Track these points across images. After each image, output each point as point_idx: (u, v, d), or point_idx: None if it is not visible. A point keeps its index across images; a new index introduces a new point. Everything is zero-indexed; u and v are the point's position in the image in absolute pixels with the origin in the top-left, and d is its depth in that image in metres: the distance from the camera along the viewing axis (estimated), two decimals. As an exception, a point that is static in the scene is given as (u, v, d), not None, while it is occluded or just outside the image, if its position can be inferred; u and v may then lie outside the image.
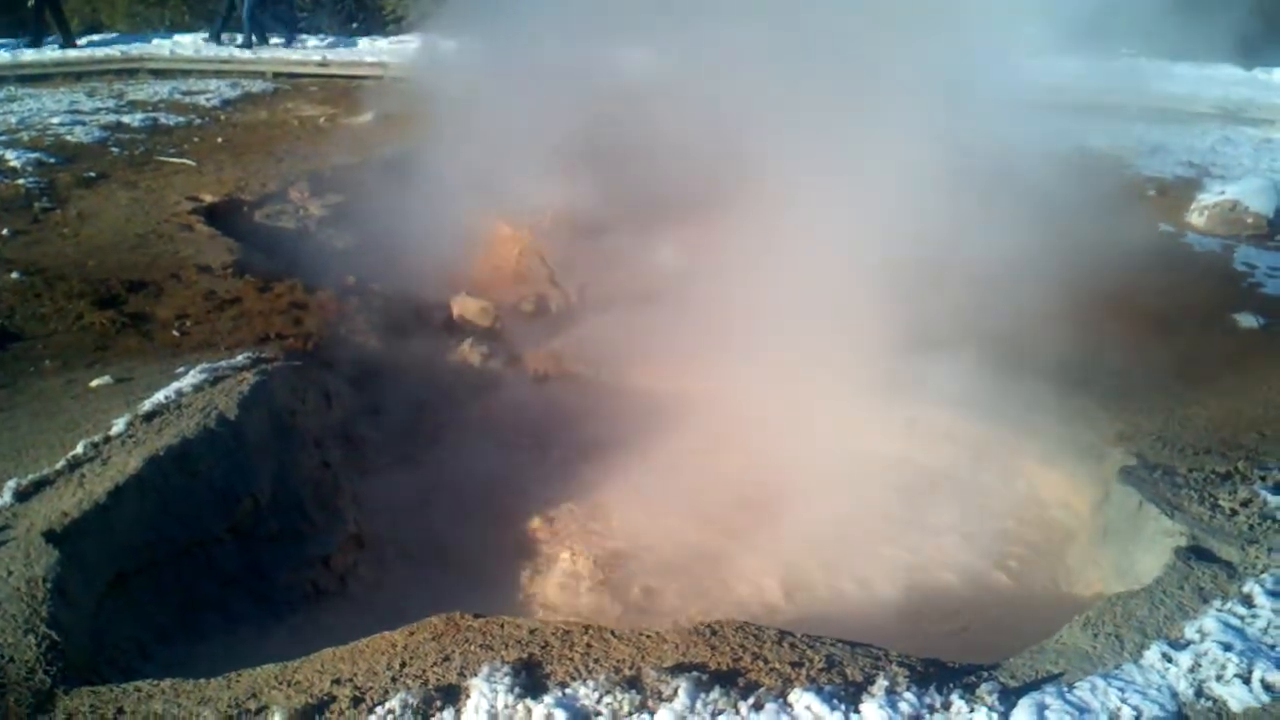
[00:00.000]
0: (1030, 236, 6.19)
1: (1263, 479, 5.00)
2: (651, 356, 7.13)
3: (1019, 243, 6.15)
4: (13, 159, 10.76)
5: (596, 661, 3.44)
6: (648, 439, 6.51)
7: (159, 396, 5.33)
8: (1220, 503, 4.76)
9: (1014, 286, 6.06)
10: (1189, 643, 3.64)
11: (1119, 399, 5.86)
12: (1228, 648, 3.57)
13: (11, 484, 4.44)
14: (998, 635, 4.46)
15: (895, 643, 3.69)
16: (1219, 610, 3.83)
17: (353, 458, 6.19)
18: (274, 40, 19.10)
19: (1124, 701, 3.30)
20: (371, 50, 18.48)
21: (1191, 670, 3.48)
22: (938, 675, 3.44)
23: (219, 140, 12.56)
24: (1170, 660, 3.53)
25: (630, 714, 3.21)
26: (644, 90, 9.27)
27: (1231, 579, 4.09)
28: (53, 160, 10.92)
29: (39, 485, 4.48)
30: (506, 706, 3.22)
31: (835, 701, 3.24)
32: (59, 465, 4.62)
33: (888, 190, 6.28)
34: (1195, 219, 10.19)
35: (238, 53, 18.29)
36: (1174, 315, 7.03)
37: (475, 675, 3.34)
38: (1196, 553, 4.29)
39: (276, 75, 17.21)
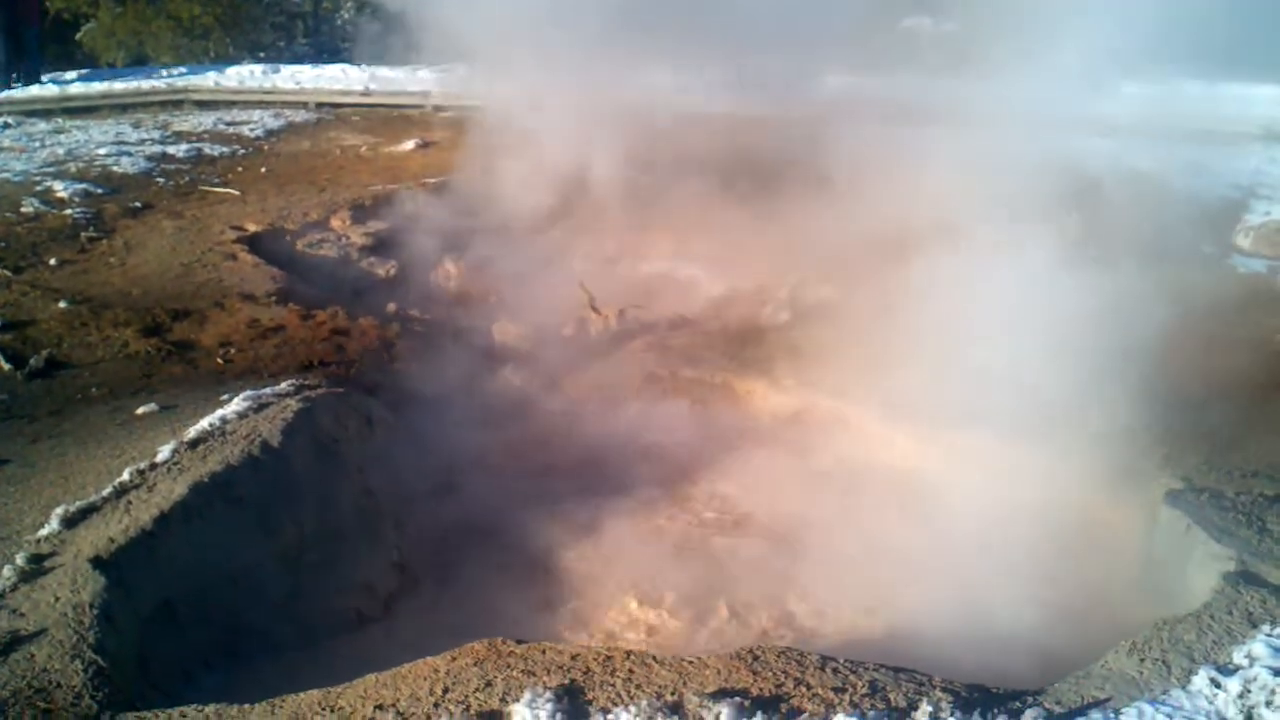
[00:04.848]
0: (1071, 255, 6.16)
1: (1312, 502, 4.93)
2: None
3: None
4: (60, 190, 10.92)
5: (639, 687, 3.44)
6: (687, 463, 6.53)
7: (204, 424, 5.38)
8: (1269, 526, 4.71)
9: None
10: (1238, 668, 3.59)
11: (1165, 421, 5.79)
12: (1277, 673, 3.51)
13: (59, 511, 4.49)
14: (1042, 660, 4.40)
15: (937, 668, 3.67)
16: (1268, 635, 3.77)
17: (395, 484, 6.21)
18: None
19: (1171, 728, 3.27)
20: (414, 79, 18.59)
21: (1240, 696, 3.43)
22: (982, 700, 3.41)
23: (262, 170, 12.71)
24: (1219, 686, 3.48)
25: (672, 740, 3.20)
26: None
27: (1281, 603, 4.04)
28: (99, 191, 11.09)
29: (86, 512, 4.53)
30: (548, 732, 3.23)
31: (878, 728, 3.23)
32: (106, 492, 4.67)
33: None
34: (1241, 240, 10.08)
35: (281, 83, 18.47)
36: (1219, 336, 6.94)
37: (517, 701, 3.34)
38: (1245, 577, 4.24)
39: (320, 105, 17.40)
